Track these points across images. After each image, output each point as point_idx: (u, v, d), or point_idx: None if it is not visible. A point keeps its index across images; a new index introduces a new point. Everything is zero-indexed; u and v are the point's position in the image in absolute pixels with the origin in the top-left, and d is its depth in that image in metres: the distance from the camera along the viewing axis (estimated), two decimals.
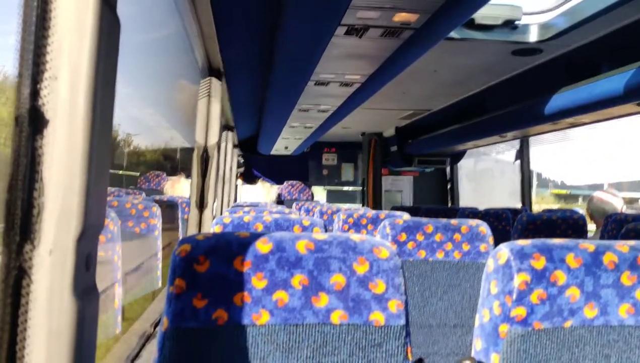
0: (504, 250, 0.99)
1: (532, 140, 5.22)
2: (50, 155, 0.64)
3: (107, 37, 0.68)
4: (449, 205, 7.39)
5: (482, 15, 2.76)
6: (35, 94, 0.64)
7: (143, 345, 2.10)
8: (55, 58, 0.65)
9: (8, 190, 0.64)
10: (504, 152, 6.67)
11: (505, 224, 3.78)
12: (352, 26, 2.41)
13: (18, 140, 0.64)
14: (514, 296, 0.96)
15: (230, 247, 0.91)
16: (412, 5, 2.13)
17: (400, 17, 2.24)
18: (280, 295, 0.91)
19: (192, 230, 2.99)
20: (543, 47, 3.00)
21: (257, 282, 0.90)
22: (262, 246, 0.91)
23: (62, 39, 0.65)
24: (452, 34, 2.83)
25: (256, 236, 0.93)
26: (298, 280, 0.91)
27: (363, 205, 7.30)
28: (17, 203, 0.64)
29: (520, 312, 0.96)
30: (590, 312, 0.98)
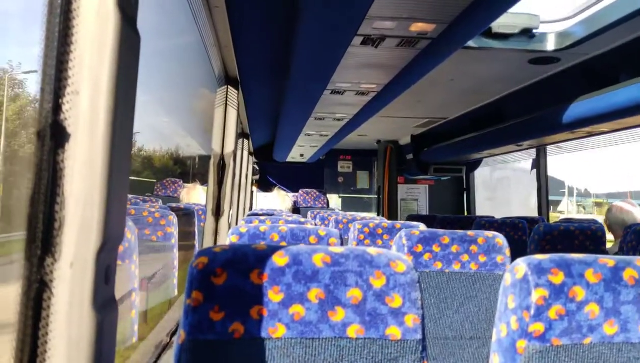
0: (521, 265, 0.99)
1: (567, 148, 5.11)
2: (71, 169, 0.65)
3: (127, 51, 0.69)
4: (465, 213, 7.35)
5: (499, 23, 2.75)
6: (57, 108, 0.65)
7: (159, 355, 2.11)
8: (76, 73, 0.65)
9: (30, 203, 0.65)
10: (520, 161, 6.62)
11: (521, 234, 3.74)
12: (368, 36, 2.41)
13: (40, 154, 0.65)
14: (532, 311, 0.95)
15: (247, 259, 0.91)
16: (428, 16, 2.13)
17: (417, 27, 2.24)
18: (297, 309, 0.91)
19: (208, 238, 3.00)
20: (560, 56, 2.98)
21: (274, 295, 0.91)
22: (279, 259, 0.91)
23: (84, 54, 0.66)
24: (469, 43, 2.82)
25: (273, 249, 0.93)
26: (314, 293, 0.91)
27: (378, 214, 7.28)
28: (39, 217, 0.64)
29: (538, 327, 0.95)
30: (610, 328, 0.97)
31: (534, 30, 2.85)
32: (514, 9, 1.99)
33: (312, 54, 2.40)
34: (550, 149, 5.28)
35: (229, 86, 3.17)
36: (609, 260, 0.98)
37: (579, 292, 0.96)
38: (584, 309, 0.96)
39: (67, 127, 0.65)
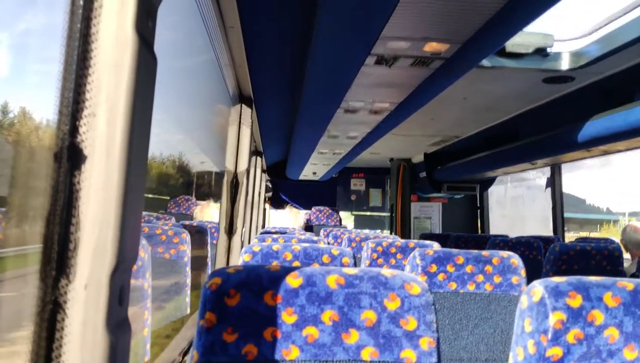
0: (538, 288, 0.97)
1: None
2: (87, 191, 0.65)
3: (144, 74, 0.70)
4: (479, 232, 7.29)
5: (513, 43, 2.75)
6: (74, 130, 0.66)
7: None
8: (94, 96, 0.66)
9: (46, 225, 0.65)
10: (534, 179, 6.57)
11: (536, 254, 3.70)
12: (382, 56, 2.42)
13: (56, 175, 0.65)
14: (550, 335, 0.94)
15: (261, 280, 0.91)
16: (442, 36, 2.14)
17: (431, 47, 2.25)
18: (311, 331, 0.90)
19: (221, 257, 3.00)
20: (575, 75, 2.97)
21: (287, 317, 0.90)
22: (293, 280, 0.91)
23: (101, 77, 0.66)
24: (483, 62, 2.83)
25: (286, 270, 0.93)
26: (328, 315, 0.90)
27: (391, 232, 7.25)
28: (54, 238, 0.65)
29: (556, 352, 0.94)
30: (630, 353, 0.95)
31: (549, 50, 2.85)
32: (528, 28, 2.00)
33: (326, 73, 2.41)
34: (567, 166, 5.24)
35: (243, 105, 3.19)
36: (628, 284, 0.96)
37: (598, 316, 0.94)
38: (603, 333, 0.94)
39: (83, 149, 0.65)
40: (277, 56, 2.52)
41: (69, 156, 0.65)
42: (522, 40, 2.76)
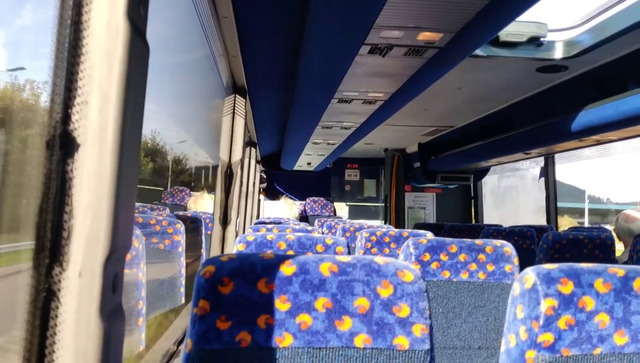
0: (530, 274, 0.98)
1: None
2: (80, 179, 0.65)
3: (136, 62, 0.70)
4: (473, 222, 7.32)
5: (506, 32, 2.75)
6: (66, 118, 0.65)
7: None
8: (86, 84, 0.66)
9: (39, 213, 0.65)
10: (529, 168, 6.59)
11: (530, 243, 3.72)
12: (376, 45, 2.42)
13: (49, 163, 0.65)
14: (541, 321, 0.95)
15: (254, 268, 0.91)
16: (435, 25, 2.14)
17: (424, 36, 2.25)
18: (304, 318, 0.91)
19: (215, 247, 3.00)
20: (568, 64, 2.97)
21: (281, 305, 0.90)
22: (286, 268, 0.91)
23: (93, 65, 0.66)
24: (476, 51, 2.83)
25: (280, 258, 0.93)
26: (322, 303, 0.91)
27: (385, 222, 7.27)
28: (48, 226, 0.65)
29: (547, 337, 0.95)
30: (620, 339, 0.96)
31: (542, 39, 2.85)
32: (522, 17, 2.00)
33: (319, 63, 2.41)
34: (563, 156, 5.25)
35: (236, 95, 3.18)
36: (619, 270, 0.97)
37: (589, 302, 0.95)
38: (594, 319, 0.95)
39: (76, 137, 0.65)
40: (271, 46, 2.51)
41: (62, 144, 0.65)
42: (516, 29, 2.76)
